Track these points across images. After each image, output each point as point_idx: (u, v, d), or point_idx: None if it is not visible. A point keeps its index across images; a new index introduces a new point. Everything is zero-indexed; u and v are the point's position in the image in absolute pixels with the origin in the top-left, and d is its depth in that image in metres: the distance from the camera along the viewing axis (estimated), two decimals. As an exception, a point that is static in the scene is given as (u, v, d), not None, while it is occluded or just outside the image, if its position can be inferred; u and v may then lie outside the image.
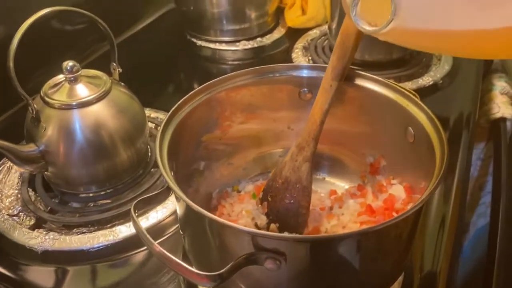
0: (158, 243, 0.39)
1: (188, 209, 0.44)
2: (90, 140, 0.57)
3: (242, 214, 0.55)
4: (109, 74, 0.63)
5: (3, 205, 0.61)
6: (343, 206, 0.54)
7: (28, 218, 0.59)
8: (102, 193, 0.61)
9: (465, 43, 0.35)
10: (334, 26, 0.87)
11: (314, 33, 0.98)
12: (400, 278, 0.50)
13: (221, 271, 0.37)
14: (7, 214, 0.59)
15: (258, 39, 0.98)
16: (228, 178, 0.59)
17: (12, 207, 0.60)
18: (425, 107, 0.48)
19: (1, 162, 0.67)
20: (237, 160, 0.60)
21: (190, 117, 0.51)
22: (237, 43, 0.97)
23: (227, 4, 0.95)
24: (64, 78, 0.59)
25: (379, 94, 0.52)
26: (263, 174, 0.61)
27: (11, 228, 0.57)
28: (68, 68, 0.57)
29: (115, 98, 0.60)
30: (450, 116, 0.74)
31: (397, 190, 0.52)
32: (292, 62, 0.89)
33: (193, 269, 0.37)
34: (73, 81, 0.58)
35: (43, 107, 0.58)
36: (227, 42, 0.98)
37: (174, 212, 0.58)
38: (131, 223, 0.56)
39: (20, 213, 0.60)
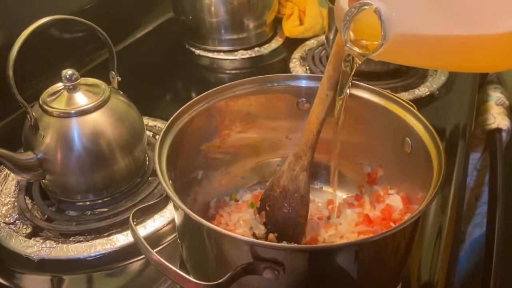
0: (155, 252, 0.39)
1: (186, 218, 0.44)
2: (88, 149, 0.57)
3: (240, 223, 0.55)
4: (108, 82, 0.63)
5: (0, 213, 0.60)
6: (341, 216, 0.54)
7: (24, 226, 0.59)
8: (100, 201, 0.61)
9: (457, 57, 0.36)
10: (331, 36, 0.88)
11: (312, 43, 0.99)
12: (398, 288, 0.50)
13: (220, 280, 0.37)
14: (4, 222, 0.59)
15: (256, 48, 0.99)
16: (226, 187, 0.60)
17: (8, 215, 0.60)
18: (422, 117, 0.48)
19: (-2, 169, 0.67)
20: (235, 169, 0.60)
21: (189, 126, 0.51)
22: (235, 53, 0.98)
23: (226, 13, 0.96)
24: (63, 86, 0.59)
25: (376, 104, 0.52)
26: (261, 183, 0.62)
27: (7, 236, 0.57)
28: (67, 76, 0.57)
29: (113, 107, 0.60)
30: (447, 126, 0.75)
31: (395, 200, 0.52)
32: (289, 72, 0.90)
33: (191, 279, 0.37)
34: (72, 89, 0.58)
35: (41, 115, 0.58)
36: (225, 52, 0.98)
37: (172, 221, 0.58)
38: (128, 232, 0.56)
39: (17, 221, 0.59)
